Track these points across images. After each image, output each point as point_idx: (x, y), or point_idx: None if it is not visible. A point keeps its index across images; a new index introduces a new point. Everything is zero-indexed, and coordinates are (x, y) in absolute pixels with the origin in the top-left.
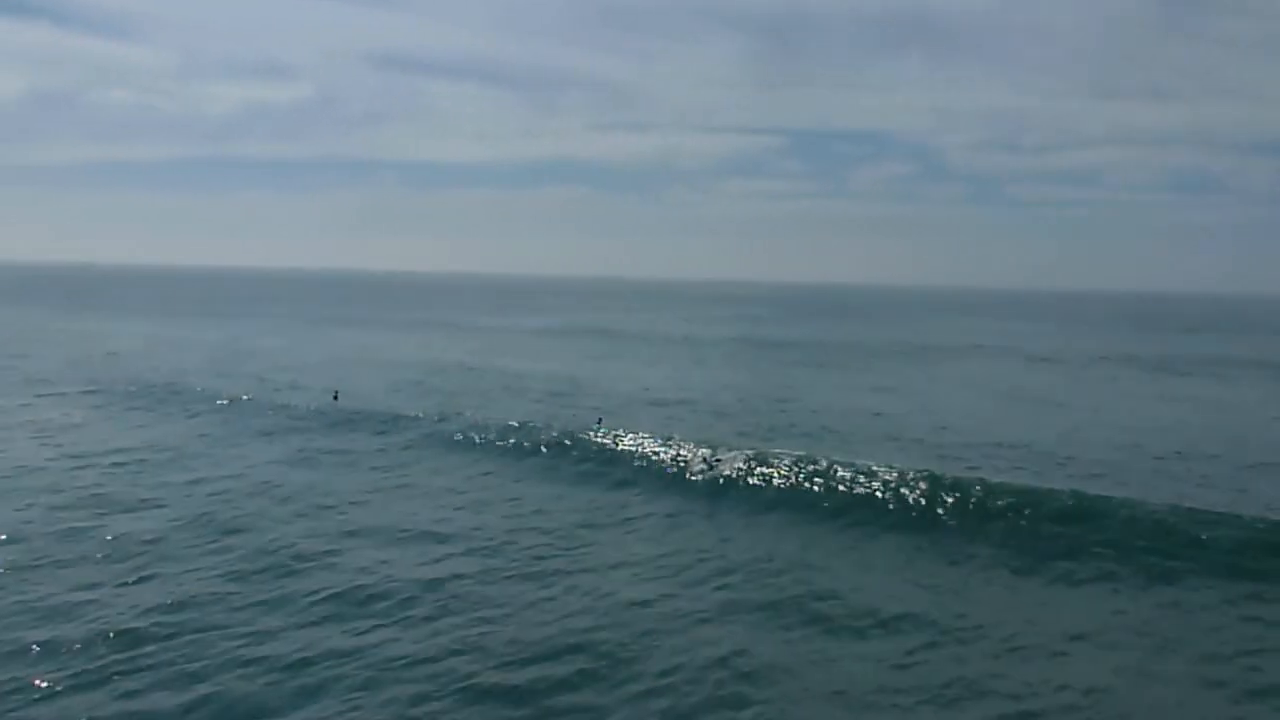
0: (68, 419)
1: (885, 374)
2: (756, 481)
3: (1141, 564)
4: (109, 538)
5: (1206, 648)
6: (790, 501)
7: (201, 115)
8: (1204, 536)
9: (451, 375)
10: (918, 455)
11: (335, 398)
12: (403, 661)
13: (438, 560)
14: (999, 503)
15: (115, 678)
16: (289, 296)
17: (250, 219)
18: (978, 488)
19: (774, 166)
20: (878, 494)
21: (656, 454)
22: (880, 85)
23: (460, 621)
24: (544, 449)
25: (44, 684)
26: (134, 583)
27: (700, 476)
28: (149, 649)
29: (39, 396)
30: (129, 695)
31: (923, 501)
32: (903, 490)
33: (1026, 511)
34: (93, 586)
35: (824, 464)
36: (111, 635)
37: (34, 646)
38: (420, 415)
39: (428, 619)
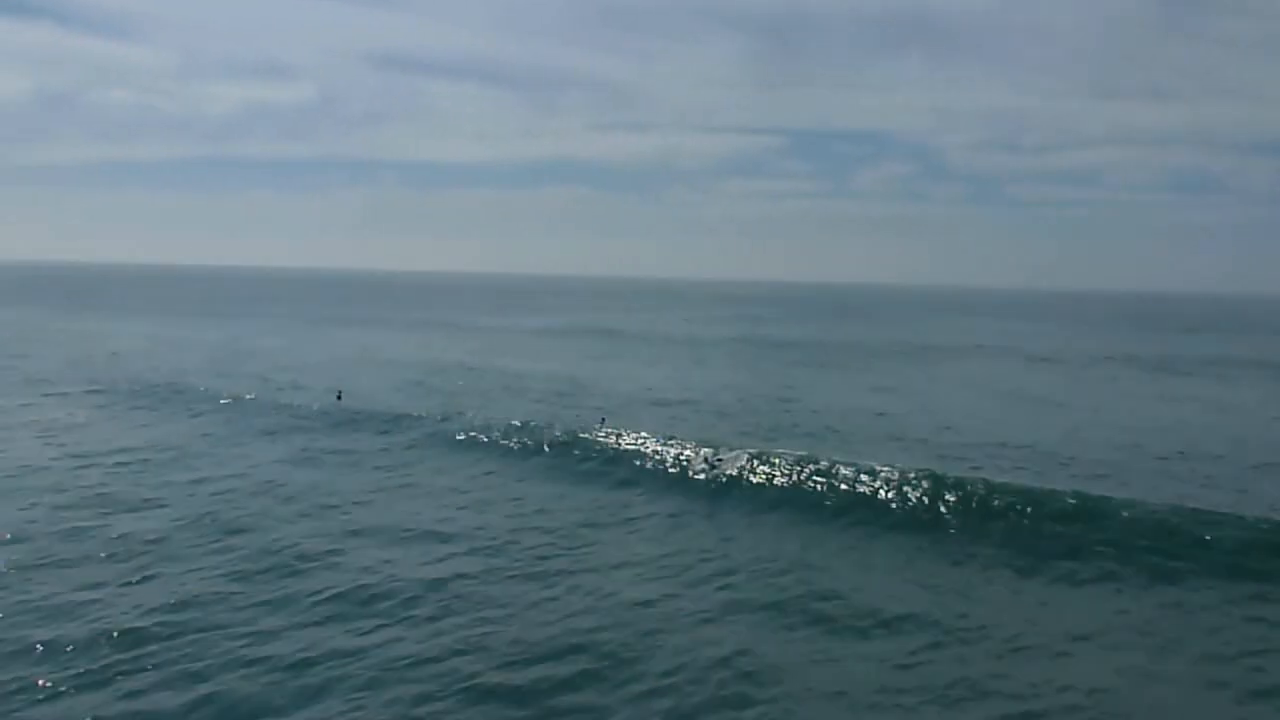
0: (71, 418)
1: (886, 374)
2: (758, 481)
3: (1144, 564)
4: (112, 537)
5: (1209, 648)
6: (792, 501)
7: (203, 115)
8: (1206, 537)
9: (453, 375)
10: (919, 455)
11: (338, 397)
12: (406, 661)
13: (441, 560)
14: (1001, 503)
15: (119, 677)
16: (290, 296)
17: (251, 219)
18: (980, 488)
19: (774, 166)
20: (880, 494)
21: (659, 454)
22: (880, 85)
23: (463, 621)
24: (547, 449)
25: (48, 683)
26: (137, 582)
27: (702, 476)
28: (152, 648)
29: (42, 396)
30: (132, 695)
31: (925, 501)
32: (905, 490)
33: (1028, 511)
34: (96, 586)
35: (826, 464)
36: (115, 635)
37: (38, 646)
38: (423, 415)
39: (431, 619)
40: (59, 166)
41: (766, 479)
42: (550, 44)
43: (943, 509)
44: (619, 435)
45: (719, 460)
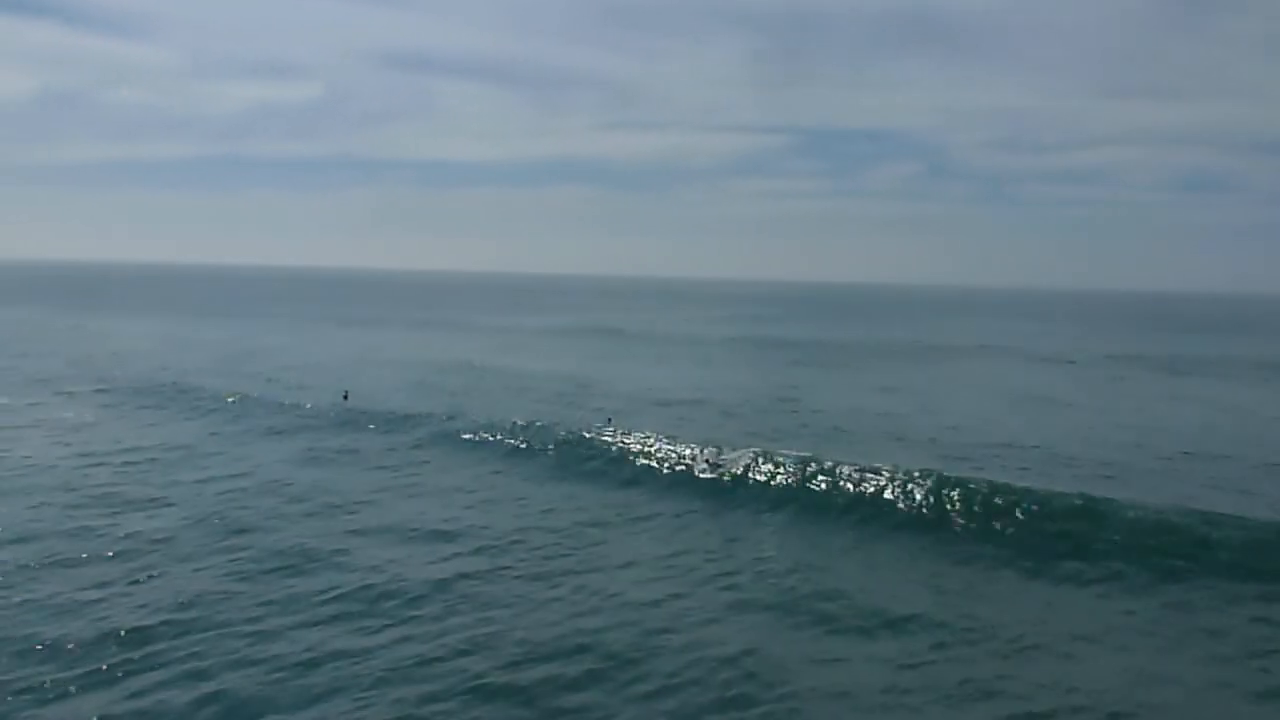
0: (79, 418)
1: (892, 374)
2: (763, 481)
3: (1149, 565)
4: (120, 536)
5: (1215, 649)
6: (797, 501)
7: (211, 114)
8: (1212, 537)
9: (459, 374)
10: (924, 455)
11: (345, 397)
12: (411, 660)
13: (446, 559)
14: (1006, 503)
15: (125, 675)
16: (295, 296)
17: (258, 217)
18: (984, 488)
19: (781, 166)
20: (885, 494)
21: (664, 454)
22: (887, 84)
23: (469, 621)
24: (552, 448)
25: (55, 681)
26: (144, 581)
27: (708, 476)
28: (159, 647)
29: (50, 395)
30: (139, 693)
31: (930, 502)
32: (910, 490)
33: (1033, 511)
34: (103, 584)
35: (831, 464)
36: (122, 633)
37: (45, 644)
38: (428, 414)
39: (436, 618)
40: (69, 166)
41: (771, 479)
42: (556, 43)
43: (948, 509)
44: (624, 435)
45: (725, 460)
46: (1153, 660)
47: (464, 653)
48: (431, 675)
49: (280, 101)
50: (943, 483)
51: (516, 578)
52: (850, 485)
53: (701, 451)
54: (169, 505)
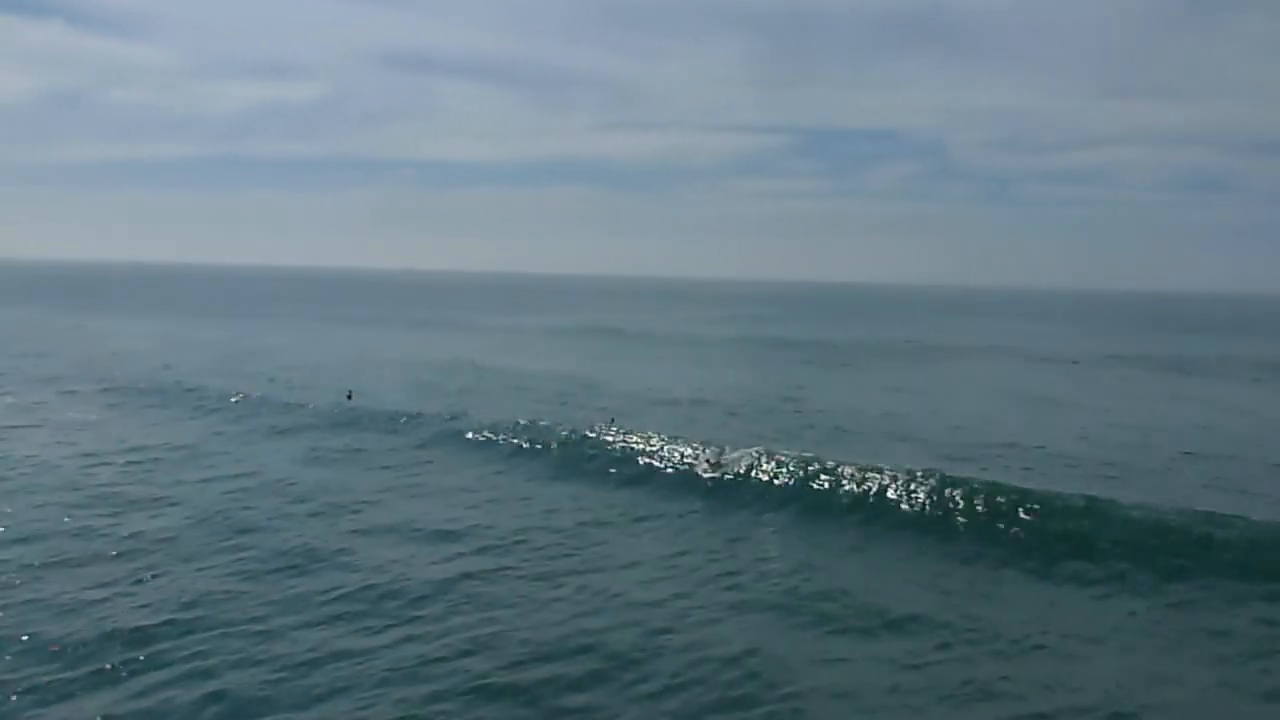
0: (82, 417)
1: (893, 374)
2: (766, 481)
3: (1153, 565)
4: (123, 535)
5: (1218, 649)
6: (800, 501)
7: (213, 114)
8: (1215, 537)
9: (462, 374)
10: (927, 455)
11: (349, 397)
12: (415, 660)
13: (450, 559)
14: (1009, 503)
15: (128, 675)
16: (296, 295)
17: (259, 217)
18: (988, 488)
19: (781, 166)
20: (887, 494)
21: (666, 453)
22: (888, 84)
23: (472, 620)
24: (555, 448)
25: (58, 681)
26: (148, 580)
27: (710, 476)
28: (162, 646)
29: (53, 395)
30: (142, 693)
31: (933, 502)
32: (912, 490)
33: (1037, 512)
34: (107, 584)
35: (833, 464)
36: (125, 632)
37: (48, 643)
38: (431, 414)
39: (439, 618)
40: (71, 166)
41: (773, 478)
42: (556, 43)
43: (950, 509)
44: (626, 435)
45: (727, 460)
46: (1155, 660)
47: (467, 653)
48: (435, 675)
49: (280, 101)
50: (945, 483)
51: (520, 577)
52: (852, 485)
53: (704, 451)
54: (172, 505)
